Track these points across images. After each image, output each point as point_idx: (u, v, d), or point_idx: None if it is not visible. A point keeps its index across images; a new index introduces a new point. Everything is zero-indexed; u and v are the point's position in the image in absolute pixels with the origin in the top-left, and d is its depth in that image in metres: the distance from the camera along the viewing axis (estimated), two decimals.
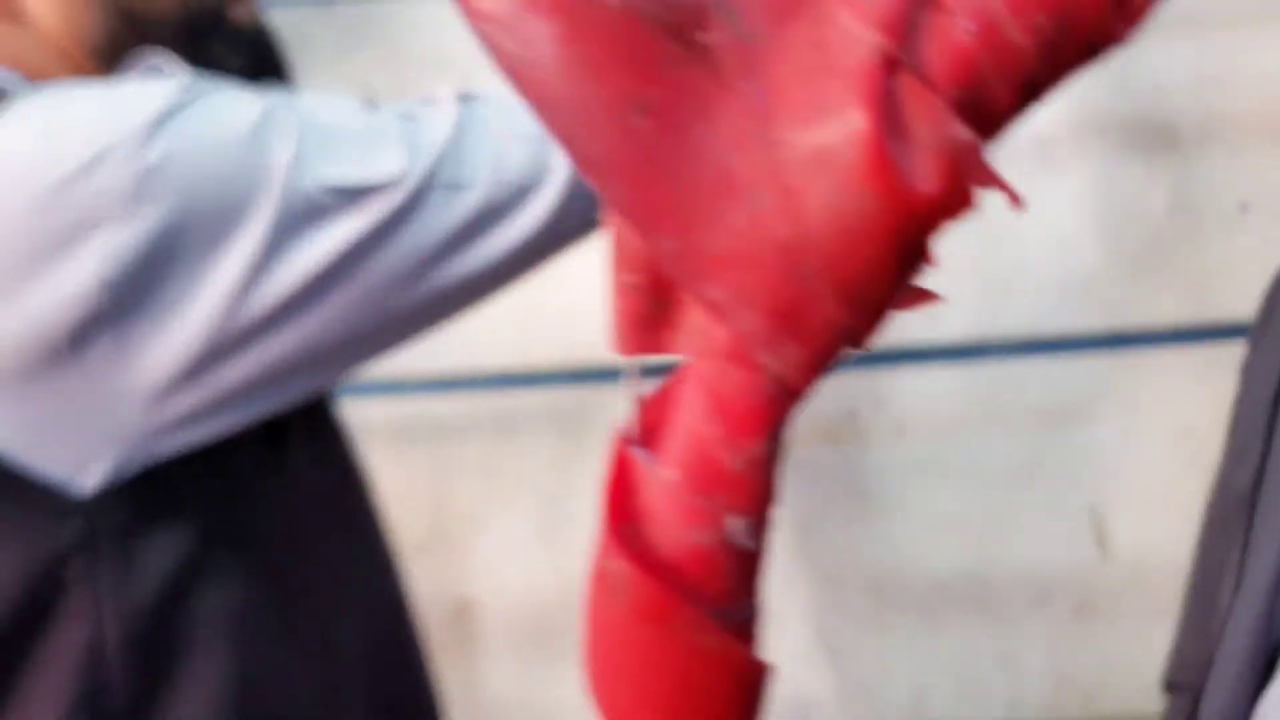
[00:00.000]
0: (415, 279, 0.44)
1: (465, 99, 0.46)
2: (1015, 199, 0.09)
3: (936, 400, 0.95)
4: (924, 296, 0.09)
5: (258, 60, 0.53)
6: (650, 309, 0.10)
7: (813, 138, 0.08)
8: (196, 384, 0.43)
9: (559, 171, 0.45)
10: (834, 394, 1.07)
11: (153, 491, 0.44)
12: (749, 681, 0.10)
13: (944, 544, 0.97)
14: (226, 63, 0.51)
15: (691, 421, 0.09)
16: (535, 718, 0.86)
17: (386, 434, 0.98)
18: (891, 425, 0.98)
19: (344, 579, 0.50)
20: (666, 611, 0.09)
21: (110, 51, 0.49)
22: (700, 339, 0.09)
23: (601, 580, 0.10)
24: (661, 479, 0.09)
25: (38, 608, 0.44)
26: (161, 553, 0.45)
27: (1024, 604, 0.89)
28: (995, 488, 1.06)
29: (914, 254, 0.08)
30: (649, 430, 0.10)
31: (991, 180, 0.09)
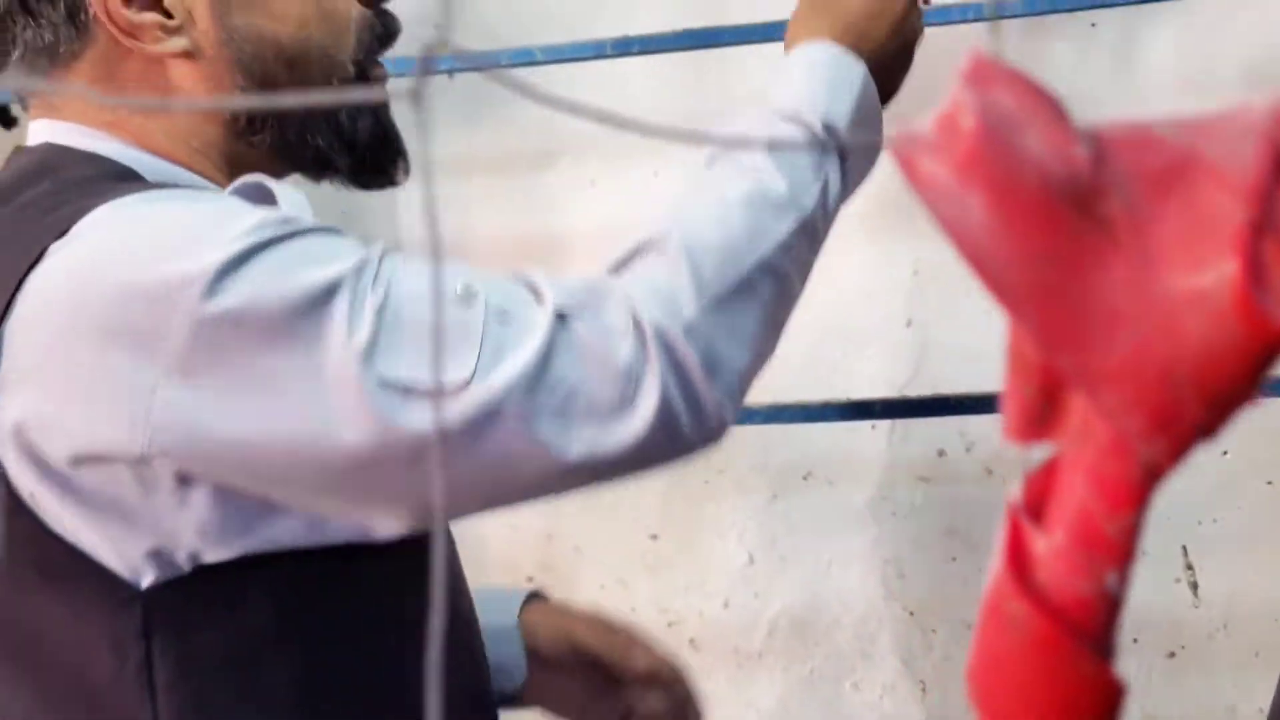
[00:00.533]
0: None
1: (562, 317, 0.44)
2: None
3: None
4: (1260, 395, 0.11)
5: (369, 154, 0.54)
6: (1040, 409, 0.12)
7: (1192, 282, 0.11)
8: (232, 515, 0.44)
9: (640, 417, 0.43)
10: (925, 437, 1.08)
11: (208, 587, 0.45)
12: (1114, 700, 0.13)
13: None
14: (335, 160, 0.53)
15: (1076, 497, 0.12)
16: None
17: None
18: (979, 466, 1.01)
19: (407, 677, 0.47)
20: (1056, 643, 0.12)
21: (245, 132, 0.52)
22: (1083, 432, 0.12)
23: (1000, 617, 0.13)
24: (1051, 541, 0.12)
25: (96, 691, 0.47)
26: (217, 645, 0.46)
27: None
28: None
29: (1266, 369, 0.10)
30: (1033, 501, 0.13)
31: None
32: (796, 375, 1.10)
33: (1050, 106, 0.12)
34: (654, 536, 1.22)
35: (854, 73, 0.51)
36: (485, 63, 0.90)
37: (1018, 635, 0.12)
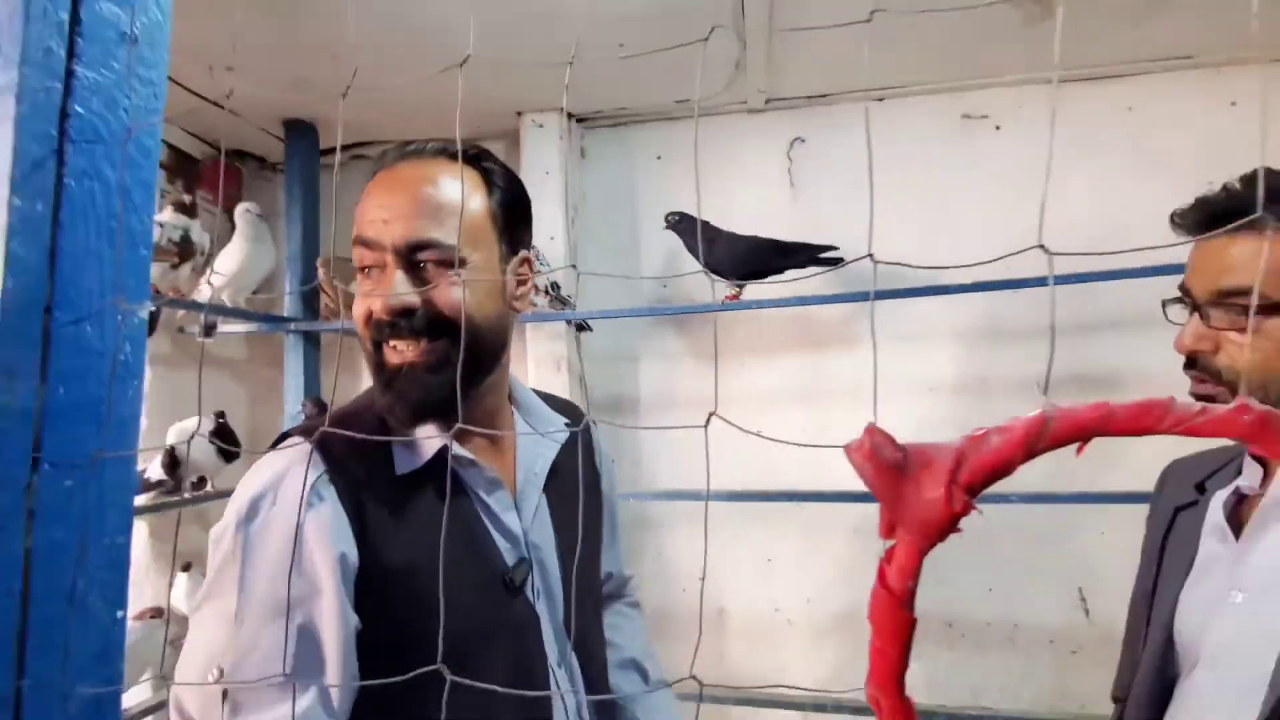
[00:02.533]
0: None
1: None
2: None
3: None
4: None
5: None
6: (889, 528, 0.31)
7: (932, 495, 0.30)
8: None
9: None
10: None
11: None
12: (911, 627, 0.32)
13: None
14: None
15: (899, 556, 0.31)
16: None
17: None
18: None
19: None
20: (891, 604, 0.31)
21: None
22: (901, 537, 0.31)
23: (877, 594, 0.32)
24: (892, 569, 0.31)
25: None
26: None
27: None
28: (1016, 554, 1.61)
29: (958, 521, 0.30)
30: (888, 557, 0.32)
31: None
32: (850, 475, 1.55)
33: (892, 445, 0.31)
34: (769, 560, 1.65)
35: None
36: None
37: (880, 600, 0.30)
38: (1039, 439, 0.28)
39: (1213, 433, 0.26)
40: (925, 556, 0.29)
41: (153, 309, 1.59)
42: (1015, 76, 1.72)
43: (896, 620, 0.30)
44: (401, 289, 0.66)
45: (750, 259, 1.61)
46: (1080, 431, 0.28)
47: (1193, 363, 0.72)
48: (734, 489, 1.73)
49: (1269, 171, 0.65)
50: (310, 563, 0.61)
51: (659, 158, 1.96)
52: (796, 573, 1.81)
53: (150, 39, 0.42)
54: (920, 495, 0.29)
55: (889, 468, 0.29)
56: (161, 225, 1.54)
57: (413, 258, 0.67)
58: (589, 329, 1.80)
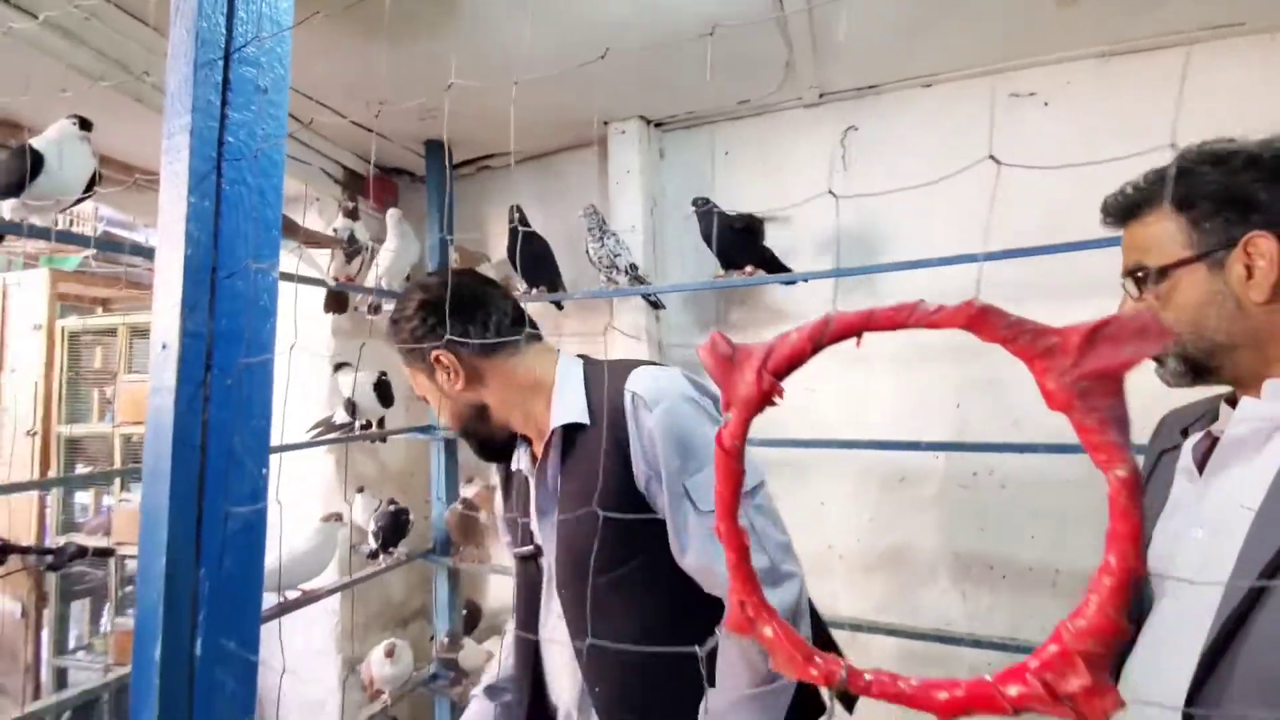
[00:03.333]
0: None
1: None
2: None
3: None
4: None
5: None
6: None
7: (750, 378, 0.36)
8: None
9: None
10: (965, 463, 1.62)
11: None
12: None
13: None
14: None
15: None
16: None
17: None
18: (995, 482, 1.56)
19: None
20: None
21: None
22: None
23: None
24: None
25: None
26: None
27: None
28: (1057, 504, 1.57)
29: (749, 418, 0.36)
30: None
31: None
32: (899, 429, 1.57)
33: (725, 343, 0.37)
34: (822, 503, 1.78)
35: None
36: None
37: (719, 455, 0.36)
38: (822, 335, 0.33)
39: (947, 324, 0.31)
40: (749, 424, 0.36)
41: (330, 287, 1.84)
42: (1062, 53, 1.60)
43: (729, 469, 0.36)
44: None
45: (723, 245, 1.64)
46: (851, 329, 0.33)
47: None
48: (791, 438, 1.76)
49: (1182, 154, 0.67)
50: None
51: (726, 153, 1.99)
52: (846, 515, 1.82)
53: (276, 88, 0.54)
54: (743, 379, 0.35)
55: (724, 359, 0.36)
56: (335, 230, 1.78)
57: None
58: (663, 306, 1.88)
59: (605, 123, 1.96)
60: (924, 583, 1.70)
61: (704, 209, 1.68)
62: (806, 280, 1.65)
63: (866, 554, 1.81)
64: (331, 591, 1.71)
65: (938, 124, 1.72)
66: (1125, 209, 0.73)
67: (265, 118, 0.54)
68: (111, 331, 2.51)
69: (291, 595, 1.61)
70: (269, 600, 1.60)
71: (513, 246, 1.77)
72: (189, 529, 0.48)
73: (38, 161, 1.08)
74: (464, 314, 0.85)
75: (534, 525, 0.91)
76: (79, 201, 1.17)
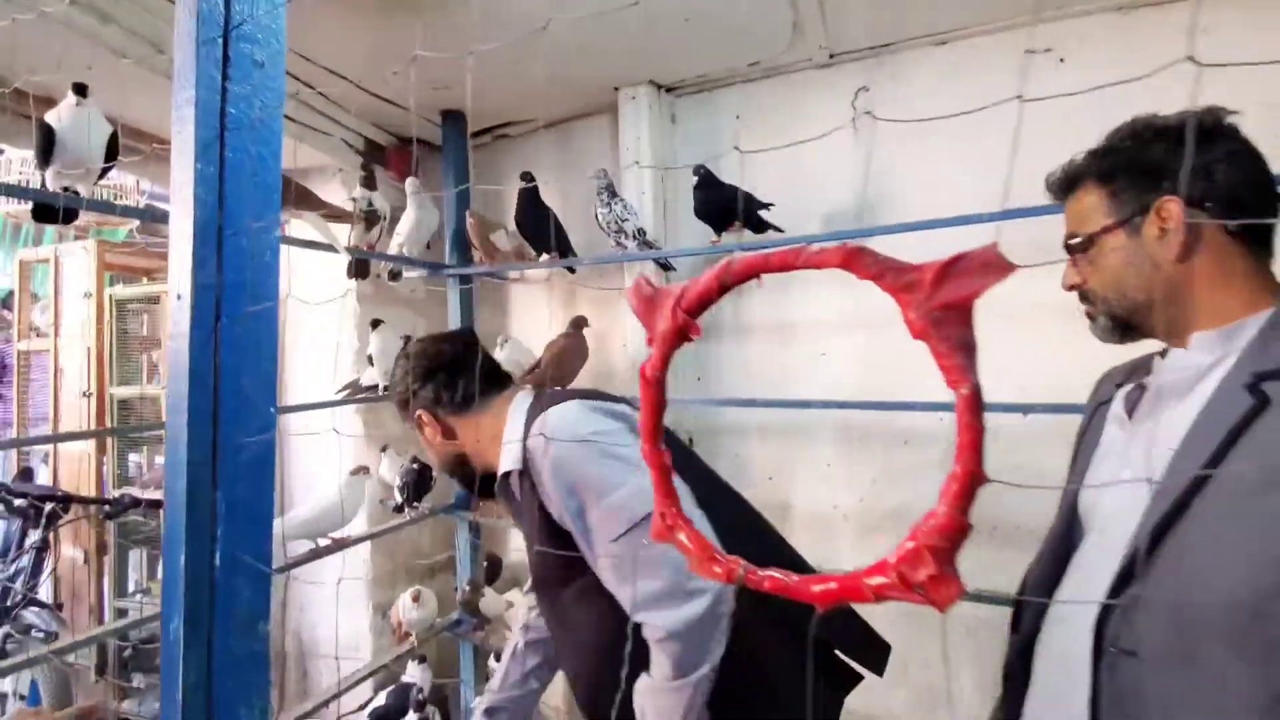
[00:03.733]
0: None
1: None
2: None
3: None
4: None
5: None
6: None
7: (666, 315, 0.40)
8: None
9: None
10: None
11: None
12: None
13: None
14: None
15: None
16: None
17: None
18: (992, 435, 1.57)
19: None
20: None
21: None
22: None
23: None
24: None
25: None
26: None
27: None
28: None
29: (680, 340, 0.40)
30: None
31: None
32: (906, 392, 1.56)
33: (648, 285, 0.41)
34: (828, 464, 1.79)
35: None
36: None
37: (643, 383, 0.41)
38: (727, 276, 0.38)
39: (828, 264, 0.35)
40: (669, 357, 0.41)
41: (357, 258, 1.92)
42: (1078, 8, 1.55)
43: (652, 397, 0.41)
44: None
45: (708, 209, 1.66)
46: (751, 269, 0.37)
47: (1081, 296, 0.79)
48: (793, 396, 1.80)
49: (1114, 130, 0.75)
50: None
51: (738, 118, 1.99)
52: (851, 476, 1.86)
53: (272, 63, 0.60)
54: (662, 317, 0.40)
55: (646, 299, 0.41)
56: (355, 199, 1.85)
57: None
58: (673, 268, 1.91)
59: (616, 89, 1.97)
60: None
61: (702, 177, 1.71)
62: (800, 242, 1.66)
63: (869, 514, 1.85)
64: (360, 540, 1.83)
65: (952, 83, 1.70)
66: (1064, 184, 0.79)
67: (263, 90, 0.59)
68: (156, 299, 2.65)
69: (324, 543, 1.73)
70: (305, 546, 1.72)
71: (521, 213, 1.82)
72: (205, 455, 0.55)
73: (50, 133, 1.15)
74: (438, 378, 1.02)
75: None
76: (107, 169, 1.24)
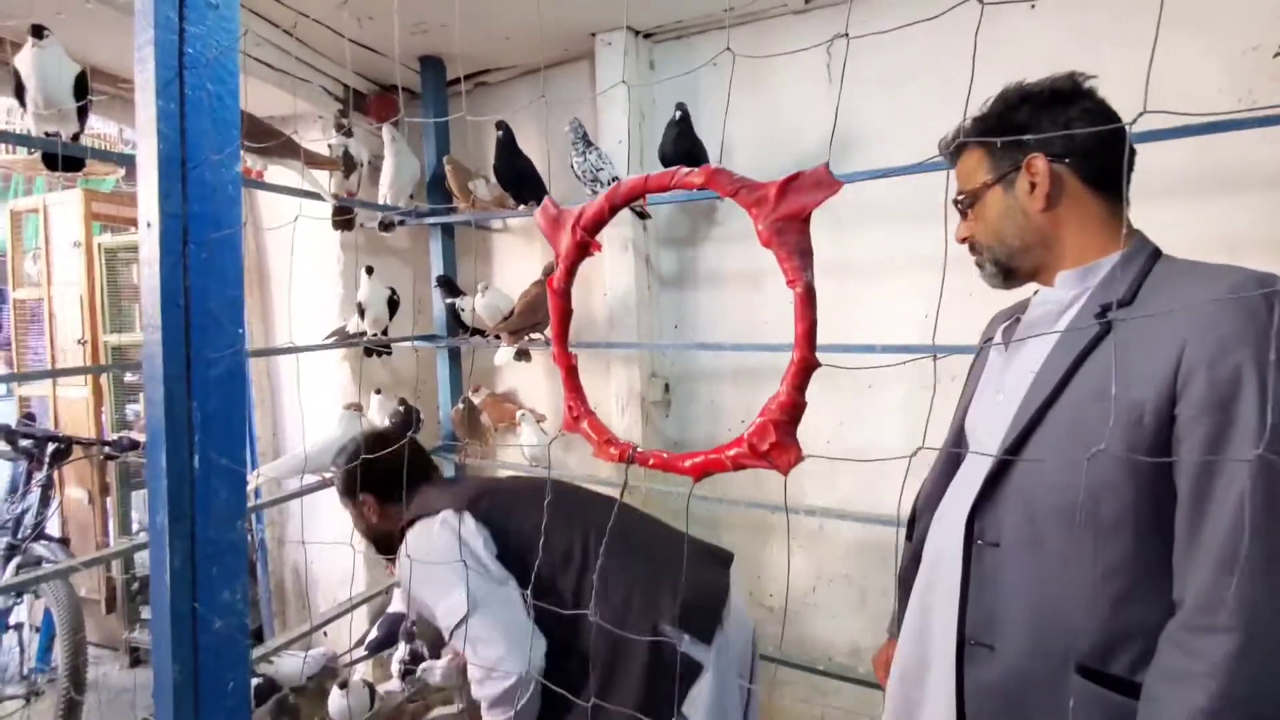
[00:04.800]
0: None
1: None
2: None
3: None
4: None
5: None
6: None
7: (568, 233, 0.46)
8: None
9: None
10: (926, 369, 1.71)
11: None
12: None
13: None
14: None
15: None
16: None
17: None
18: (947, 374, 1.71)
19: None
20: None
21: None
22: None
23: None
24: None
25: None
26: None
27: None
28: None
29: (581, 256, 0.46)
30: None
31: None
32: (874, 337, 1.61)
33: (554, 206, 0.46)
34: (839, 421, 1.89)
35: None
36: None
37: (550, 291, 0.47)
38: (615, 197, 0.43)
39: (694, 184, 0.40)
40: (573, 270, 0.47)
41: (339, 207, 1.95)
42: None
43: (559, 305, 0.48)
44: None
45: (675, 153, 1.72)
46: (635, 191, 0.43)
47: (971, 247, 0.87)
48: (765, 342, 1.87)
49: (1000, 95, 0.82)
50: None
51: (714, 64, 1.99)
52: (815, 417, 1.94)
53: (226, 4, 0.64)
54: (565, 235, 0.46)
55: (552, 220, 0.46)
56: (330, 146, 1.87)
57: None
58: (648, 215, 1.94)
59: (593, 34, 1.96)
60: (887, 478, 1.82)
61: (681, 118, 1.73)
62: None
63: (833, 452, 1.94)
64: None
65: (924, 32, 1.70)
66: (952, 148, 0.87)
67: (218, 31, 0.63)
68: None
69: (325, 475, 1.81)
70: (307, 480, 1.80)
71: (499, 163, 1.84)
72: (179, 369, 0.62)
73: (18, 76, 1.18)
74: (376, 474, 1.30)
75: None
76: (83, 109, 1.25)
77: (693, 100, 2.01)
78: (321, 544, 2.31)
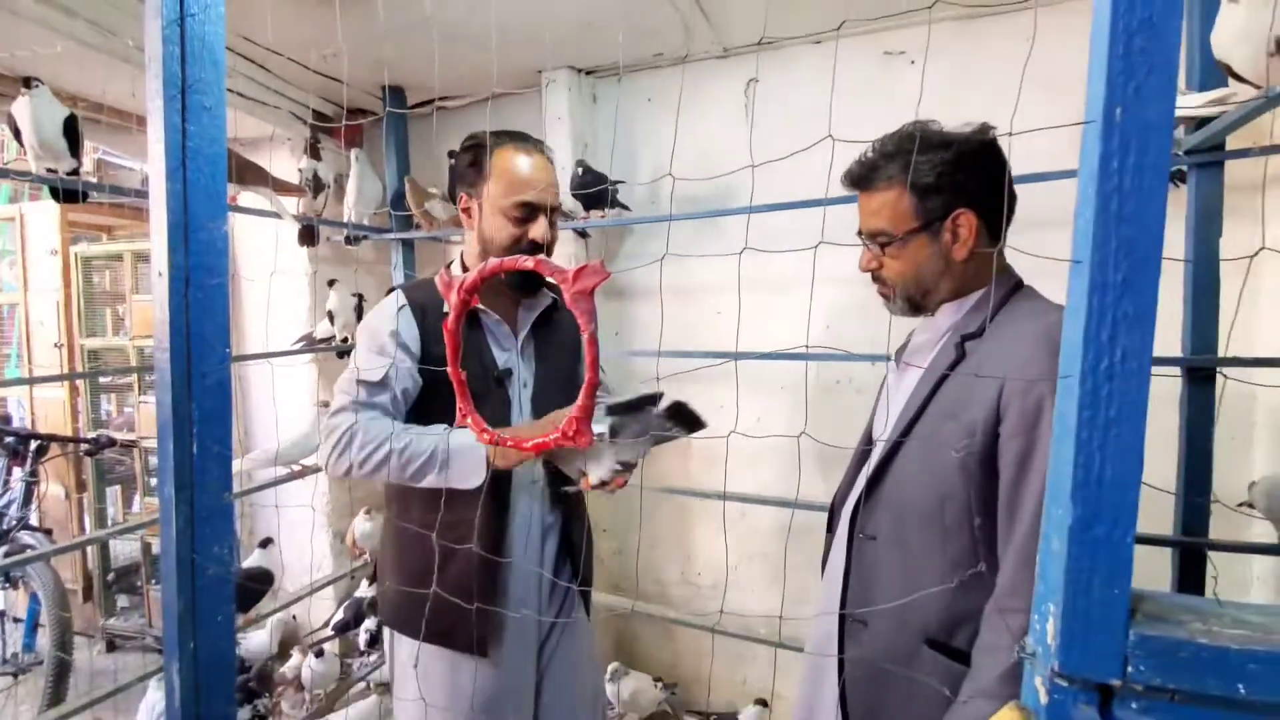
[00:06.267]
0: None
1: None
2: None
3: None
4: None
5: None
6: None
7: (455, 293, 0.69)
8: None
9: None
10: (830, 374, 1.95)
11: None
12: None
13: None
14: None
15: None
16: None
17: None
18: (854, 388, 1.80)
19: None
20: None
21: None
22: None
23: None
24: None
25: None
26: None
27: None
28: None
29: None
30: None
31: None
32: (787, 341, 1.86)
33: (447, 273, 0.68)
34: (721, 406, 2.07)
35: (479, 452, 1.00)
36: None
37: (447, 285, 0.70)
38: (484, 272, 0.67)
39: (524, 268, 0.64)
40: (461, 317, 0.69)
41: (304, 225, 2.14)
42: (925, 15, 1.81)
43: (451, 340, 0.70)
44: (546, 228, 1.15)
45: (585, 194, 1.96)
46: (493, 271, 0.66)
47: (876, 277, 0.94)
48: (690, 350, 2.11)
49: (907, 134, 0.87)
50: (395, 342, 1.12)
51: (649, 100, 2.23)
52: (741, 415, 2.18)
53: (217, 106, 0.85)
54: (453, 294, 0.69)
55: (445, 284, 0.69)
56: (300, 170, 2.06)
57: (550, 215, 1.15)
58: (588, 235, 2.17)
59: (539, 71, 2.19)
60: (797, 467, 2.08)
61: (581, 168, 1.97)
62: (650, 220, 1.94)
63: (754, 444, 2.19)
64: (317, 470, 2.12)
65: (826, 77, 1.96)
66: (860, 178, 0.91)
67: (211, 127, 0.85)
68: (119, 257, 2.83)
69: (295, 468, 2.01)
70: (279, 472, 1.99)
71: (451, 185, 2.05)
72: (183, 378, 0.84)
73: (13, 121, 1.35)
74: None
75: None
76: (75, 147, 1.42)
77: (628, 133, 2.25)
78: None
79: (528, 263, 0.61)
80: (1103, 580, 0.42)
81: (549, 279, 0.63)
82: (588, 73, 2.24)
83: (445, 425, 1.03)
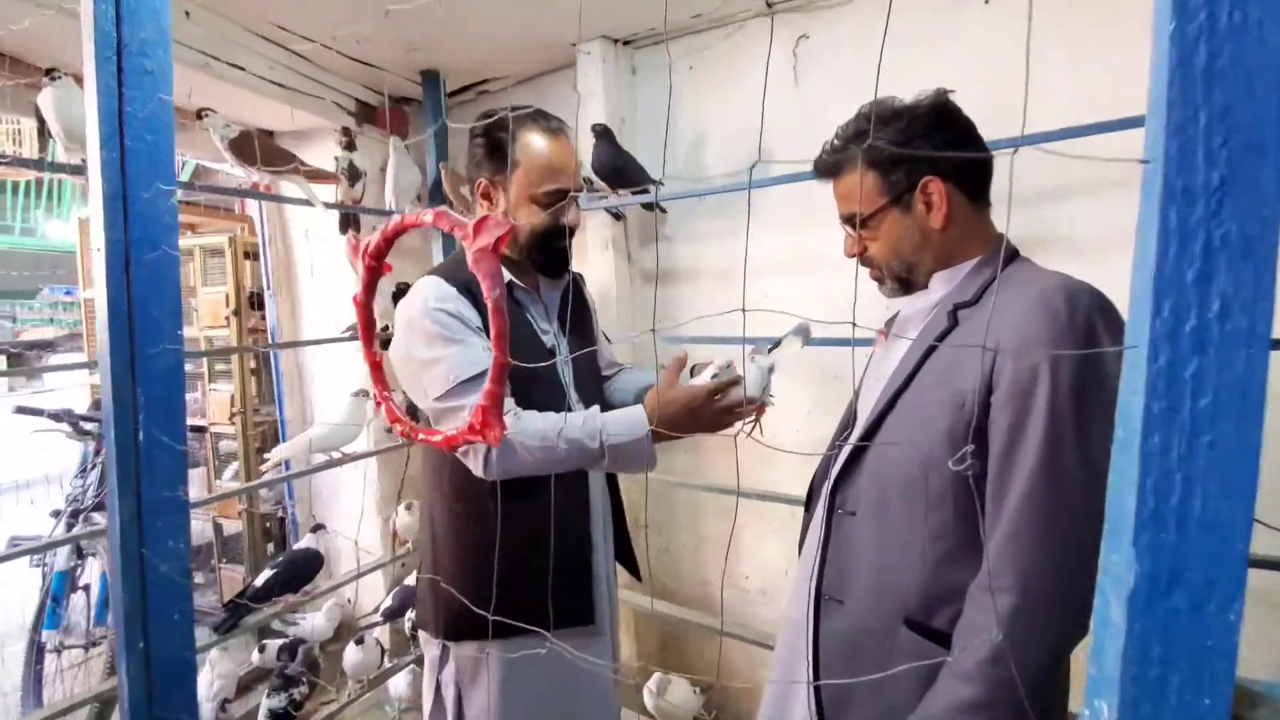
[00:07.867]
0: None
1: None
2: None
3: None
4: None
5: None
6: None
7: (363, 253, 0.59)
8: None
9: None
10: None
11: None
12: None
13: None
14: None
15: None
16: None
17: None
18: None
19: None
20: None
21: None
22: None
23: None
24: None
25: None
26: None
27: None
28: None
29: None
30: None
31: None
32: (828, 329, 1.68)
33: (355, 238, 0.58)
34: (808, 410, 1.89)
35: (641, 428, 0.98)
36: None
37: (360, 256, 0.60)
38: (388, 231, 0.56)
39: (423, 224, 0.52)
40: (370, 286, 0.59)
41: (343, 213, 2.14)
42: None
43: (361, 315, 0.60)
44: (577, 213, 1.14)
45: (604, 172, 1.80)
46: (400, 228, 0.55)
47: (866, 261, 0.92)
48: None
49: (863, 115, 0.87)
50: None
51: (690, 68, 2.07)
52: (788, 407, 2.01)
53: (160, 70, 0.79)
54: (358, 261, 0.58)
55: (353, 248, 0.59)
56: (336, 159, 2.05)
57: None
58: (623, 216, 2.05)
59: (573, 44, 2.08)
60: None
61: (600, 135, 1.83)
62: (664, 198, 1.77)
63: (803, 439, 2.01)
64: (364, 455, 2.13)
65: (880, 29, 1.73)
66: (830, 168, 0.92)
67: (152, 91, 0.78)
68: (189, 252, 2.98)
69: (335, 455, 2.02)
70: (319, 459, 2.01)
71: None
72: (125, 361, 0.78)
73: (39, 112, 1.36)
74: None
75: None
76: None
77: (674, 100, 2.10)
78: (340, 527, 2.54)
79: (427, 216, 0.50)
80: (1185, 681, 0.25)
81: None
82: (625, 43, 2.11)
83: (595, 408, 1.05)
